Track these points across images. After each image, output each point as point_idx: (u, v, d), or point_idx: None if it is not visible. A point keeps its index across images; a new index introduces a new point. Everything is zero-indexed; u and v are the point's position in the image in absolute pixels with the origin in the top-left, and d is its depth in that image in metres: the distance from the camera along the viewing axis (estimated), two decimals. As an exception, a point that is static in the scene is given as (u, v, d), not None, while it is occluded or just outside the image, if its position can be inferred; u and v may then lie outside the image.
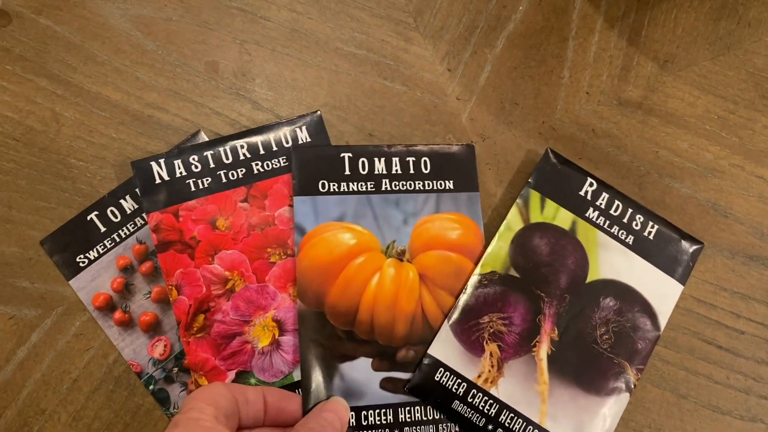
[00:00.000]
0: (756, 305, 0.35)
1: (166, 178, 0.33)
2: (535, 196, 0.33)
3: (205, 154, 0.34)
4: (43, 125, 0.35)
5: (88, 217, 0.34)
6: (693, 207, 0.36)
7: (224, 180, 0.34)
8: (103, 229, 0.34)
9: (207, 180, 0.34)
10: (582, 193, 0.34)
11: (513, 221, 0.33)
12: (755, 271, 0.35)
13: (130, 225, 0.34)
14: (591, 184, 0.34)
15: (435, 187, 0.34)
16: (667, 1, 0.40)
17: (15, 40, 0.37)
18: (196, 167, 0.34)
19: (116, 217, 0.34)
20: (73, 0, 0.38)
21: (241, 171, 0.34)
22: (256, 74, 0.37)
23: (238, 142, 0.34)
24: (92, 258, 0.34)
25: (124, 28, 0.37)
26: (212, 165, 0.34)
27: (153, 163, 0.33)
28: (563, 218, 0.33)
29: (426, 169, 0.35)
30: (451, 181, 0.35)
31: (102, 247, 0.34)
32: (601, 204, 0.34)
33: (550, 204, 0.33)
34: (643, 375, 0.33)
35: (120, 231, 0.34)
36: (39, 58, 0.37)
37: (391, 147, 0.35)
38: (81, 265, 0.34)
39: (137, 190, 0.34)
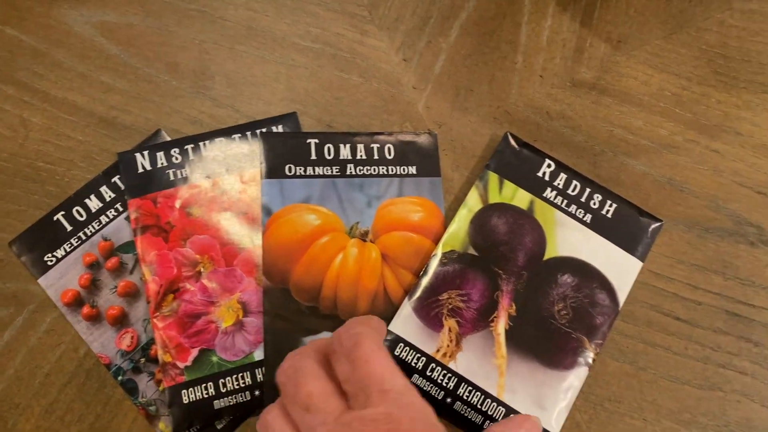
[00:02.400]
0: (713, 276, 0.36)
1: (148, 168, 0.36)
2: (493, 178, 0.35)
3: (185, 147, 0.36)
4: (11, 131, 0.38)
5: (55, 218, 0.37)
6: (649, 183, 0.38)
7: (202, 171, 0.36)
8: (69, 228, 0.36)
9: (185, 170, 0.36)
10: (540, 174, 0.36)
11: (472, 202, 0.35)
12: (711, 242, 0.37)
13: (96, 223, 0.36)
14: (549, 165, 0.36)
15: (398, 172, 0.36)
16: (619, -17, 0.42)
17: (-18, 50, 0.39)
18: (177, 159, 0.36)
19: (81, 216, 0.37)
20: (38, 10, 0.40)
21: (218, 163, 0.36)
22: (215, 72, 0.39)
23: (217, 138, 0.37)
24: (59, 256, 0.36)
25: (88, 35, 0.40)
26: (191, 157, 0.36)
27: (137, 154, 0.36)
28: (521, 198, 0.35)
29: (390, 155, 0.37)
30: (414, 167, 0.37)
31: (69, 245, 0.36)
32: (558, 184, 0.35)
33: (509, 185, 0.35)
34: (602, 349, 0.35)
35: (86, 229, 0.36)
36: (6, 66, 0.39)
37: (356, 134, 0.37)
38: (49, 263, 0.36)
39: (116, 179, 0.36)
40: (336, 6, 0.41)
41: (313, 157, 0.36)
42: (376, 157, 0.36)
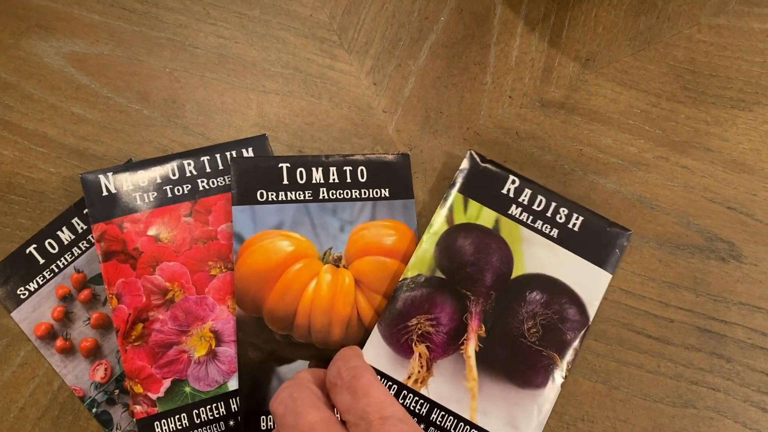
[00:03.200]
0: (684, 293, 0.37)
1: (113, 191, 0.36)
2: (458, 198, 0.36)
3: (152, 169, 0.37)
4: (-18, 164, 0.38)
5: (27, 251, 0.37)
6: (619, 201, 0.39)
7: (170, 195, 0.37)
8: (41, 261, 0.37)
9: (153, 194, 0.36)
10: (504, 191, 0.36)
11: (437, 224, 0.36)
12: (682, 259, 0.38)
13: (68, 255, 0.37)
14: (513, 182, 0.36)
15: (371, 195, 0.37)
16: (586, 1, 0.43)
17: (-47, 84, 0.40)
18: (143, 182, 0.36)
19: (54, 248, 0.37)
20: (7, 42, 0.41)
21: (187, 187, 0.37)
22: (186, 100, 0.40)
23: (185, 160, 0.37)
24: (32, 289, 0.36)
25: (58, 65, 0.40)
26: (158, 181, 0.37)
27: (101, 176, 0.36)
28: (486, 217, 0.36)
29: (363, 177, 0.37)
30: (387, 189, 0.37)
31: (41, 278, 0.37)
32: (523, 200, 0.36)
33: (473, 204, 0.36)
34: (574, 368, 0.35)
35: (58, 261, 0.37)
36: (-24, 99, 0.39)
37: (329, 157, 0.37)
38: (22, 297, 0.36)
39: (83, 202, 0.36)
40: (305, 31, 0.41)
41: (285, 181, 0.36)
42: (348, 180, 0.37)
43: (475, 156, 0.37)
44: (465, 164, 0.37)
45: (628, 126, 0.40)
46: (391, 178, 0.38)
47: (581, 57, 0.41)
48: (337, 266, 0.35)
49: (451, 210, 0.36)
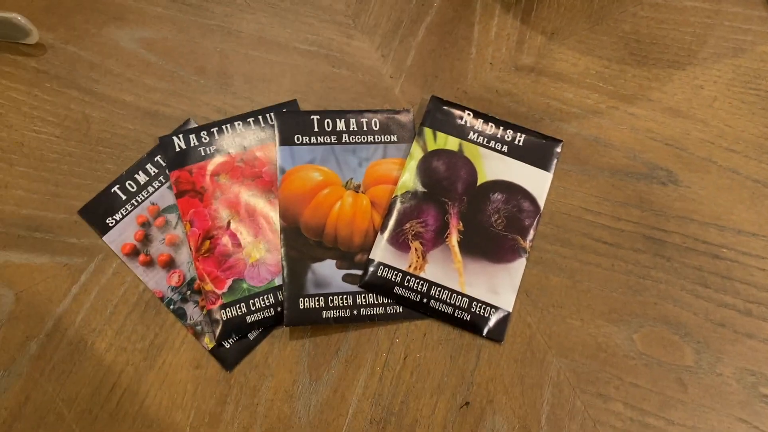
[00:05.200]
0: (632, 209, 0.48)
1: (183, 147, 0.48)
2: (428, 132, 0.47)
3: (212, 130, 0.48)
4: (77, 125, 0.50)
5: (112, 189, 0.48)
6: (579, 141, 0.50)
7: (225, 147, 0.48)
8: (124, 197, 0.48)
9: (212, 147, 0.48)
10: (462, 122, 0.48)
11: (416, 153, 0.47)
12: (630, 184, 0.49)
13: (144, 192, 0.48)
14: (469, 114, 0.48)
15: (382, 140, 0.48)
16: (551, -11, 0.55)
17: (50, 64, 0.52)
18: (205, 139, 0.48)
19: (133, 187, 0.48)
20: (92, 31, 0.53)
21: (238, 140, 0.48)
22: (234, 73, 0.51)
23: (236, 121, 0.49)
24: (118, 219, 0.48)
25: (131, 48, 0.52)
26: (216, 137, 0.48)
27: (174, 137, 0.48)
28: (452, 143, 0.47)
29: (375, 127, 0.49)
30: (395, 135, 0.49)
31: (124, 210, 0.48)
32: (478, 128, 0.48)
33: (440, 135, 0.47)
34: (545, 268, 0.46)
35: (137, 197, 0.48)
36: (69, 75, 0.51)
37: (348, 112, 0.49)
38: (110, 225, 0.48)
39: (158, 158, 0.48)
40: (326, 17, 0.53)
41: (316, 129, 0.48)
42: (365, 128, 0.48)
43: (436, 100, 0.49)
44: (430, 105, 0.49)
45: (585, 84, 0.52)
46: (398, 127, 0.49)
47: (547, 32, 0.53)
48: (357, 192, 0.47)
49: (424, 141, 0.48)
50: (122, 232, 0.47)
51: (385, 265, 0.44)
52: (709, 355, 0.44)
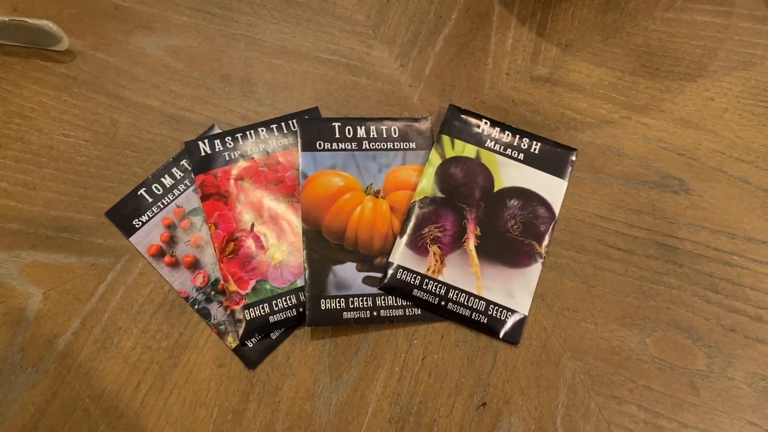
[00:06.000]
0: (645, 217, 0.50)
1: (209, 151, 0.50)
2: (446, 139, 0.49)
3: (236, 135, 0.50)
4: (105, 129, 0.52)
5: (139, 192, 0.50)
6: (593, 150, 0.52)
7: (249, 152, 0.50)
8: (150, 200, 0.50)
9: (236, 152, 0.50)
10: (479, 130, 0.50)
11: (434, 160, 0.49)
12: (643, 192, 0.50)
13: (170, 195, 0.50)
14: (486, 123, 0.50)
15: (402, 147, 0.50)
16: (566, 1, 0.57)
17: (79, 70, 0.54)
18: (229, 144, 0.50)
19: (159, 190, 0.50)
20: (120, 38, 0.55)
21: (262, 146, 0.50)
22: (257, 80, 0.54)
23: (259, 127, 0.51)
24: (144, 221, 0.49)
25: (158, 55, 0.54)
26: (240, 142, 0.50)
27: (200, 142, 0.50)
28: (469, 151, 0.49)
29: (395, 134, 0.51)
30: (414, 143, 0.51)
31: (150, 212, 0.50)
32: (495, 136, 0.49)
33: (458, 143, 0.49)
34: (560, 272, 0.48)
35: (163, 200, 0.50)
36: (98, 81, 0.53)
37: (369, 119, 0.51)
38: (136, 226, 0.49)
39: (184, 162, 0.50)
40: (347, 27, 0.55)
41: (337, 136, 0.50)
42: (384, 136, 0.50)
43: (454, 108, 0.51)
44: (447, 114, 0.51)
45: (599, 94, 0.54)
46: (417, 135, 0.51)
47: (562, 44, 0.55)
48: (377, 197, 0.49)
49: (442, 148, 0.50)
50: (148, 234, 0.49)
51: (404, 269, 0.46)
52: (721, 360, 0.46)
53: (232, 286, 0.46)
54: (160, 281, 0.48)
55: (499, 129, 0.50)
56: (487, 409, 0.44)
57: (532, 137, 0.50)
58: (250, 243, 0.48)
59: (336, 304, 0.45)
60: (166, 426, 0.44)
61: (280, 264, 0.47)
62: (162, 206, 0.50)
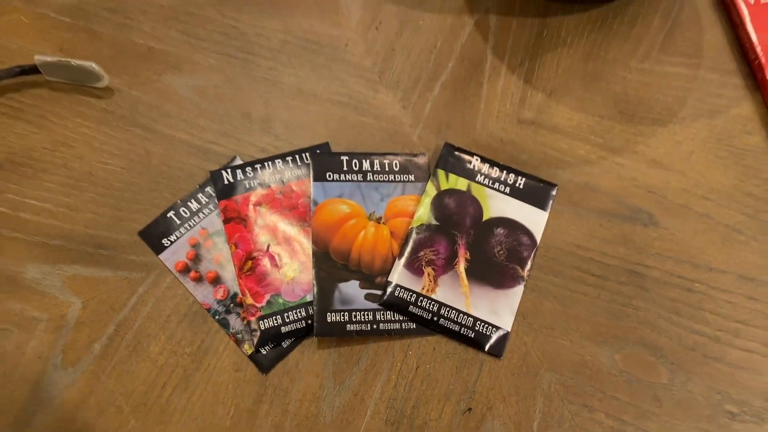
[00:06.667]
0: (617, 246, 0.56)
1: (231, 180, 0.57)
2: (441, 173, 0.56)
3: (255, 166, 0.57)
4: (139, 158, 0.59)
5: (168, 215, 0.57)
6: (572, 186, 0.59)
7: (267, 181, 0.57)
8: (178, 222, 0.57)
9: (255, 181, 0.57)
10: (471, 166, 0.57)
11: (430, 191, 0.56)
12: (616, 225, 0.57)
13: (196, 218, 0.57)
14: (477, 159, 0.57)
15: (402, 179, 0.57)
16: (551, 53, 0.64)
17: (117, 105, 0.61)
18: (249, 174, 0.57)
19: (186, 213, 0.57)
20: (153, 78, 0.62)
21: (278, 176, 0.57)
22: (275, 118, 0.61)
23: (276, 159, 0.58)
24: (172, 240, 0.56)
25: (187, 94, 0.62)
26: (259, 172, 0.57)
27: (223, 171, 0.57)
28: (462, 184, 0.56)
29: (396, 167, 0.58)
30: (413, 176, 0.58)
31: (178, 233, 0.57)
32: (484, 171, 0.56)
33: (452, 176, 0.56)
34: (539, 294, 0.54)
35: (189, 222, 0.57)
36: (133, 115, 0.61)
37: (373, 154, 0.58)
38: (165, 245, 0.56)
39: (209, 189, 0.57)
40: (356, 73, 0.63)
41: (345, 168, 0.57)
42: (386, 169, 0.57)
43: (449, 145, 0.58)
44: (443, 151, 0.58)
45: (578, 136, 0.61)
46: (415, 168, 0.58)
47: (546, 90, 0.63)
48: (378, 223, 0.55)
49: (437, 181, 0.57)
50: (176, 252, 0.56)
51: (401, 287, 0.53)
52: (681, 375, 0.52)
53: (249, 300, 0.53)
54: (185, 294, 0.55)
55: (488, 165, 0.57)
56: (472, 414, 0.51)
57: (518, 173, 0.57)
58: (265, 262, 0.55)
59: (340, 318, 0.52)
60: (189, 422, 0.50)
61: (292, 281, 0.54)
62: (188, 228, 0.57)
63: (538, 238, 0.55)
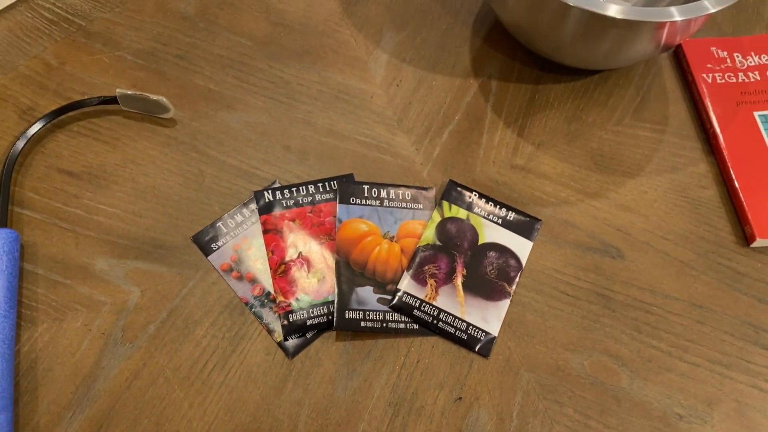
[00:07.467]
0: (590, 273, 0.68)
1: (271, 199, 0.69)
2: (446, 204, 0.69)
3: (292, 189, 0.70)
4: (195, 177, 0.72)
5: (217, 225, 0.69)
6: (553, 221, 0.71)
7: (301, 201, 0.69)
8: (225, 231, 0.69)
9: (291, 201, 0.69)
10: (470, 200, 0.69)
11: (435, 217, 0.68)
12: (589, 255, 0.69)
13: (240, 228, 0.69)
14: (475, 195, 0.69)
15: (412, 207, 0.69)
16: (541, 113, 0.78)
17: (179, 133, 0.74)
18: (287, 195, 0.69)
19: (232, 224, 0.69)
20: (211, 113, 0.76)
21: (309, 198, 0.70)
22: (310, 151, 0.74)
23: (309, 184, 0.70)
24: (219, 245, 0.68)
25: (238, 128, 0.75)
26: (295, 194, 0.70)
27: (265, 192, 0.69)
28: (462, 213, 0.68)
29: (408, 197, 0.70)
30: (421, 205, 0.70)
31: (224, 239, 0.68)
32: (481, 204, 0.69)
33: (454, 207, 0.69)
34: (523, 308, 0.66)
35: (234, 231, 0.69)
36: (192, 142, 0.74)
37: (389, 185, 0.70)
38: (213, 249, 0.68)
39: (252, 205, 0.69)
40: (378, 119, 0.76)
41: (366, 195, 0.69)
42: (400, 198, 0.70)
43: (453, 182, 0.71)
44: (448, 186, 0.70)
45: (561, 182, 0.74)
46: (424, 199, 0.71)
47: (536, 143, 0.76)
48: (391, 241, 0.67)
49: (442, 210, 0.69)
50: (221, 255, 0.68)
51: (408, 294, 0.64)
52: (639, 381, 0.62)
53: (281, 297, 0.64)
54: (227, 290, 0.66)
55: (484, 200, 0.70)
56: (462, 402, 0.61)
57: (509, 208, 0.70)
58: (296, 267, 0.66)
59: (356, 315, 0.63)
60: (225, 394, 0.61)
61: (317, 283, 0.65)
62: (233, 236, 0.69)
63: (524, 261, 0.67)
